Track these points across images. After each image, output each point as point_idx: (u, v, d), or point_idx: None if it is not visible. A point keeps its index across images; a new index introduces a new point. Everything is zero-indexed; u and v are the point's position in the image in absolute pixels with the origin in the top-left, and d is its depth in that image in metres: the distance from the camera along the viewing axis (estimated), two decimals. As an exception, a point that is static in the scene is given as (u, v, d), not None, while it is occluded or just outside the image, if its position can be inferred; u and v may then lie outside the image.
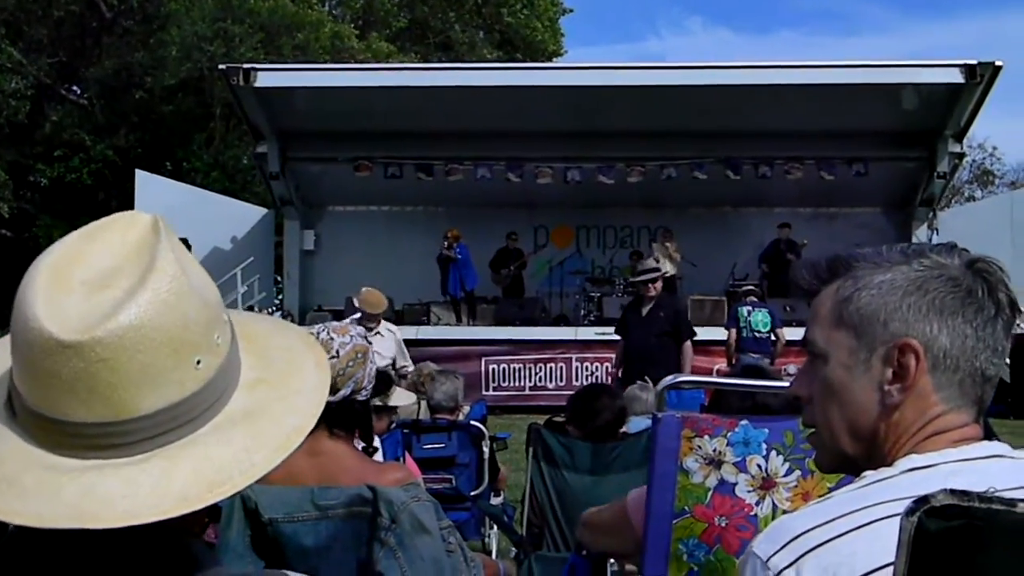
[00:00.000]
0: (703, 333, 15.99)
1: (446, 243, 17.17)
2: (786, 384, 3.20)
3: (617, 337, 10.76)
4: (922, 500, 1.00)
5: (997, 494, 1.01)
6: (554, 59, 32.12)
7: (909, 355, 1.30)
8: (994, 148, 40.55)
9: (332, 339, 2.74)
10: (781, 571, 1.18)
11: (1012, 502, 1.00)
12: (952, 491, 1.00)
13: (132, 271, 1.07)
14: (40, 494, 1.02)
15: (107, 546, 1.06)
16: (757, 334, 11.78)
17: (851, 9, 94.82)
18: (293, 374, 1.22)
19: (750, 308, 11.96)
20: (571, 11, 35.03)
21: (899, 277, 1.33)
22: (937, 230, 18.40)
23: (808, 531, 1.20)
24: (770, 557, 1.20)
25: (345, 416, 2.73)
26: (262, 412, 1.15)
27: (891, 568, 1.03)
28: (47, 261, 1.08)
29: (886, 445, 1.33)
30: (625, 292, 18.01)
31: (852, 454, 1.37)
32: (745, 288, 12.93)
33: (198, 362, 1.09)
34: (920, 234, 18.33)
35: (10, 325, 1.08)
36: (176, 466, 1.06)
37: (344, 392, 2.71)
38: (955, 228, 17.89)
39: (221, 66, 17.00)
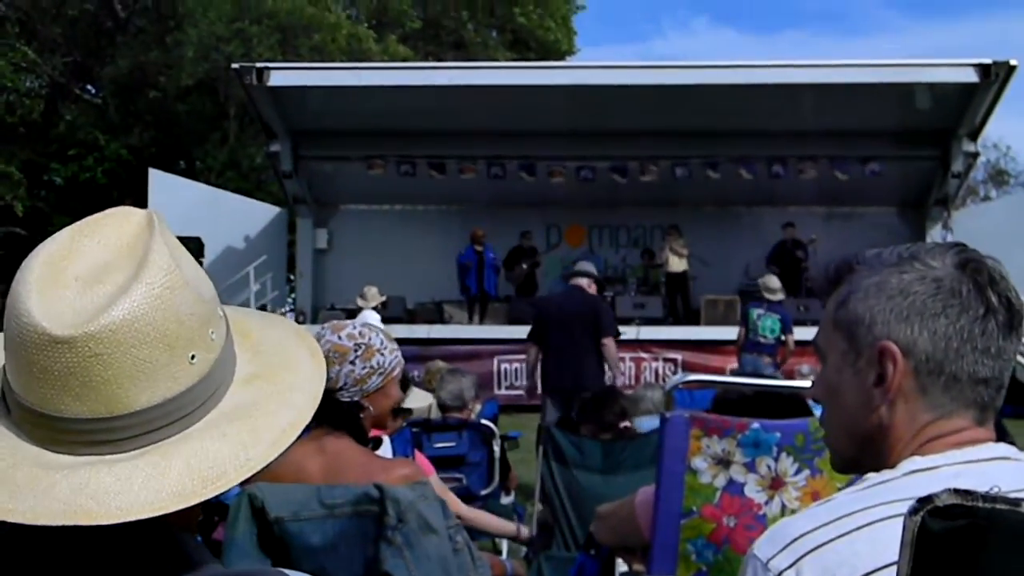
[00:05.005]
0: (715, 333, 16.06)
1: (474, 242, 17.20)
2: (784, 383, 3.24)
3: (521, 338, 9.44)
4: (926, 500, 0.99)
5: (1001, 494, 1.00)
6: (567, 58, 32.08)
7: (887, 359, 1.30)
8: (1008, 147, 40.58)
9: (322, 334, 2.75)
10: (781, 572, 1.18)
11: (1017, 502, 0.99)
12: (956, 491, 0.99)
13: (126, 266, 1.07)
14: (32, 491, 1.02)
15: (100, 543, 1.05)
16: (762, 338, 11.67)
17: (855, 9, 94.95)
18: (288, 368, 1.21)
19: (761, 311, 11.81)
20: (584, 7, 34.95)
21: (886, 280, 1.33)
22: (952, 230, 18.33)
23: (808, 532, 1.20)
24: (770, 559, 1.20)
25: (329, 413, 2.69)
26: (257, 407, 1.14)
27: (892, 568, 1.02)
28: (41, 256, 1.08)
29: (883, 448, 1.33)
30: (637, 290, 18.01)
31: (852, 455, 1.39)
32: (764, 288, 12.43)
33: (192, 357, 1.08)
34: (935, 234, 18.25)
35: (3, 320, 1.07)
36: (170, 462, 1.05)
37: None
38: (970, 228, 17.82)
39: (234, 65, 17.00)
